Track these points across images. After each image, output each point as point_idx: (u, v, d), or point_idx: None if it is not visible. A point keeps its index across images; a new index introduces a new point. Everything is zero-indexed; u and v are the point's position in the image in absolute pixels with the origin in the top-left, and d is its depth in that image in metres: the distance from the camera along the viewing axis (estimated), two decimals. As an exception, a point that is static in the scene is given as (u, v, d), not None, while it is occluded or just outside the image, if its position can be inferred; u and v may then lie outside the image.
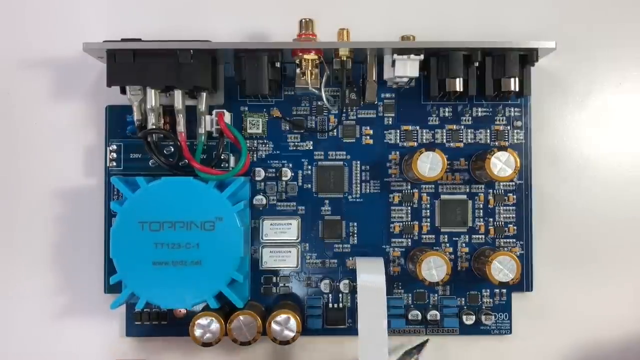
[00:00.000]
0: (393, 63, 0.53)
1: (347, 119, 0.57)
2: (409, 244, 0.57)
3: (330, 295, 0.57)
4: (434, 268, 0.52)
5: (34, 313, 0.58)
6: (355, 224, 0.57)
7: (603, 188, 0.58)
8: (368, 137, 0.57)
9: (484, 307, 0.57)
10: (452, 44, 0.52)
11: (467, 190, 0.57)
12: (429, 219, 0.57)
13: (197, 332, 0.52)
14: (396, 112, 0.57)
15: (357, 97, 0.57)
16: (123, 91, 0.53)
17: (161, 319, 0.56)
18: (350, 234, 0.57)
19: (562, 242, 0.58)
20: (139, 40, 0.52)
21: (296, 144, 0.57)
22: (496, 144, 0.57)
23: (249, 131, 0.56)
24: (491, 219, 0.57)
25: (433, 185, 0.57)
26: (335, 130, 0.57)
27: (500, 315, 0.57)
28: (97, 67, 0.57)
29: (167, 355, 0.58)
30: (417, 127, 0.57)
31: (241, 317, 0.52)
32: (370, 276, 0.51)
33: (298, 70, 0.53)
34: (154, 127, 0.53)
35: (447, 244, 0.57)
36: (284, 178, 0.56)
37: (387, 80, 0.55)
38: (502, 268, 0.53)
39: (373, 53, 0.53)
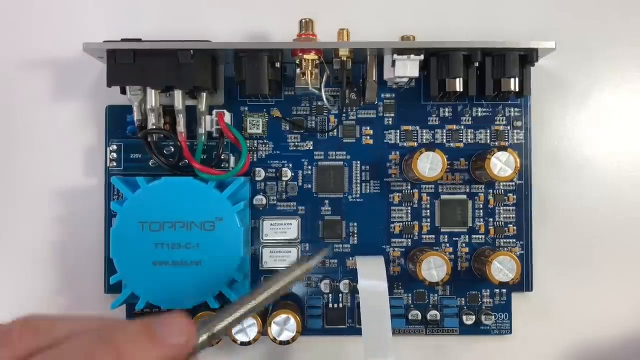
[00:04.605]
0: (393, 63, 0.53)
1: (347, 119, 0.57)
2: (409, 244, 0.57)
3: (330, 295, 0.57)
4: (434, 268, 0.52)
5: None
6: (355, 224, 0.57)
7: (603, 188, 0.58)
8: (368, 137, 0.57)
9: (484, 307, 0.57)
10: (452, 44, 0.52)
11: (467, 190, 0.57)
12: (429, 219, 0.57)
13: (197, 332, 0.52)
14: (396, 112, 0.57)
15: (357, 97, 0.57)
16: (123, 91, 0.54)
17: (161, 319, 0.56)
18: (350, 234, 0.57)
19: (562, 242, 0.58)
20: (139, 40, 0.52)
21: (296, 144, 0.57)
22: (496, 144, 0.57)
23: (249, 131, 0.56)
24: (491, 219, 0.57)
25: (433, 185, 0.57)
26: (335, 130, 0.57)
27: (500, 315, 0.57)
28: (97, 67, 0.57)
29: (167, 355, 0.58)
30: (417, 127, 0.57)
31: (241, 317, 0.52)
32: (371, 281, 0.51)
33: (298, 70, 0.53)
34: (154, 127, 0.53)
35: (447, 244, 0.57)
36: (284, 178, 0.56)
37: (387, 80, 0.55)
38: (502, 268, 0.53)
39: (373, 53, 0.53)
